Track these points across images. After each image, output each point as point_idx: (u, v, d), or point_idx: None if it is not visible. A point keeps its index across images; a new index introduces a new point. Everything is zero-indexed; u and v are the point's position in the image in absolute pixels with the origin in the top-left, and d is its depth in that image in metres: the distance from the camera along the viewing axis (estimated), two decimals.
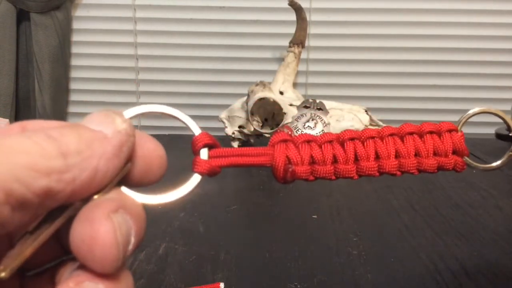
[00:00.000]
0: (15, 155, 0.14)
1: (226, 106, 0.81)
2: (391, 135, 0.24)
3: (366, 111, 0.75)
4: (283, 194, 0.59)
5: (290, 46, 0.83)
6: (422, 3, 0.94)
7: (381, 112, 0.95)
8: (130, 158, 0.17)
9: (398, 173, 0.23)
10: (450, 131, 0.24)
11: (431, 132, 0.24)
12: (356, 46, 0.97)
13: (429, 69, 0.98)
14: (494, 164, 0.25)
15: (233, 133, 0.77)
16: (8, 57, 0.88)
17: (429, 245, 0.45)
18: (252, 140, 0.78)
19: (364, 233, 0.48)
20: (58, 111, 0.96)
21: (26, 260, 0.15)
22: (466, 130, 0.25)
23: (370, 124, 0.74)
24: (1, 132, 0.17)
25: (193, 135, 0.20)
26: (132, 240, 0.16)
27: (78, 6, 0.97)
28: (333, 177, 0.23)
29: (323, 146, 0.23)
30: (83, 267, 0.15)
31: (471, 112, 0.25)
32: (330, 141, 0.23)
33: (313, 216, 0.52)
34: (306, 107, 0.72)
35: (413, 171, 0.23)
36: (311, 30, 0.95)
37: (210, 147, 0.20)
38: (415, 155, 0.23)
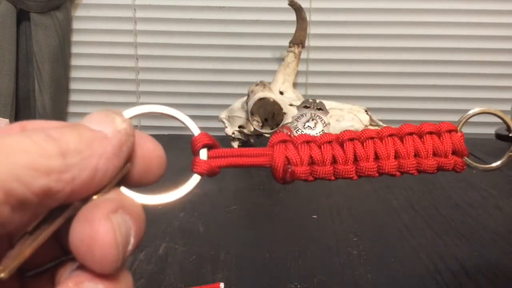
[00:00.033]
0: (15, 154, 0.14)
1: (226, 106, 0.81)
2: (391, 135, 0.24)
3: (366, 111, 0.75)
4: (283, 194, 0.59)
5: (290, 46, 0.83)
6: (422, 3, 0.94)
7: (381, 112, 0.95)
8: (129, 158, 0.17)
9: (398, 173, 0.23)
10: (449, 131, 0.24)
11: (430, 133, 0.24)
12: (356, 46, 0.97)
13: (429, 69, 0.98)
14: (494, 164, 0.25)
15: (233, 133, 0.77)
16: (8, 57, 0.88)
17: (429, 245, 0.45)
18: (252, 140, 0.78)
19: (364, 233, 0.48)
20: (58, 111, 0.96)
21: (26, 260, 0.15)
22: (466, 130, 0.25)
23: (370, 124, 0.74)
24: (1, 132, 0.17)
25: (193, 135, 0.20)
26: (132, 240, 0.16)
27: (78, 6, 0.97)
28: (333, 178, 0.23)
29: (322, 146, 0.23)
30: (82, 267, 0.15)
31: (471, 112, 0.25)
32: (330, 142, 0.23)
33: (313, 216, 0.52)
34: (306, 107, 0.72)
35: (412, 171, 0.23)
36: (311, 30, 0.95)
37: (209, 147, 0.20)
38: (415, 155, 0.23)
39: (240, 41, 0.98)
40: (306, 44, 0.88)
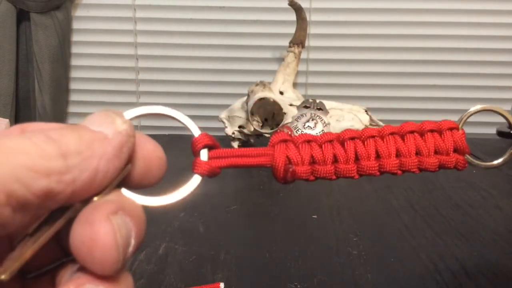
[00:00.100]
0: (15, 156, 0.14)
1: (226, 106, 0.81)
2: (392, 134, 0.23)
3: (366, 111, 0.75)
4: (283, 194, 0.59)
5: (290, 46, 0.83)
6: (422, 3, 0.94)
7: (381, 112, 0.95)
8: (130, 159, 0.17)
9: (399, 172, 0.23)
10: (451, 129, 0.24)
11: (432, 131, 0.24)
12: (356, 46, 0.97)
13: (429, 69, 0.98)
14: (496, 162, 0.25)
15: (233, 133, 0.77)
16: (8, 57, 0.88)
17: (429, 245, 0.45)
18: (252, 140, 0.78)
19: (364, 233, 0.48)
20: (58, 111, 0.96)
21: (26, 262, 0.15)
22: (466, 130, 0.24)
23: (370, 124, 0.74)
24: (1, 134, 0.17)
25: (193, 135, 0.20)
26: (132, 242, 0.16)
27: (78, 6, 0.97)
28: (334, 177, 0.23)
29: (323, 145, 0.23)
30: (83, 269, 0.15)
31: (472, 109, 0.25)
32: (331, 141, 0.23)
33: (313, 216, 0.52)
34: (306, 107, 0.72)
35: (414, 170, 0.23)
36: (311, 30, 0.95)
37: (210, 148, 0.20)
38: (416, 153, 0.23)
39: (240, 41, 0.98)
40: (306, 44, 0.88)
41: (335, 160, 0.23)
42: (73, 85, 1.01)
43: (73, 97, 1.02)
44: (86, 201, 0.16)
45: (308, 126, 0.71)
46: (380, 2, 0.94)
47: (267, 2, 0.95)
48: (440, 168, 0.24)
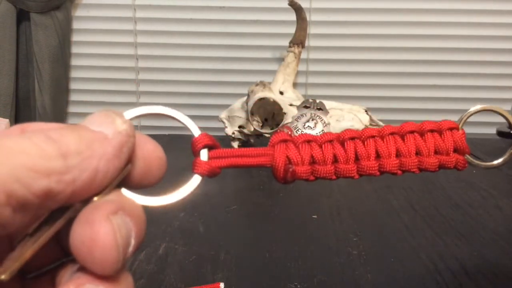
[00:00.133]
0: (15, 156, 0.14)
1: (226, 106, 0.81)
2: (392, 134, 0.23)
3: (366, 111, 0.75)
4: (283, 194, 0.59)
5: (290, 46, 0.83)
6: (422, 3, 0.94)
7: (381, 112, 0.95)
8: (130, 159, 0.17)
9: (399, 172, 0.23)
10: (451, 129, 0.24)
11: (432, 131, 0.24)
12: (356, 46, 0.97)
13: (429, 69, 0.98)
14: (496, 161, 0.25)
15: (233, 133, 0.77)
16: (8, 57, 0.88)
17: (429, 245, 0.45)
18: (252, 140, 0.78)
19: (364, 233, 0.48)
20: (58, 111, 0.96)
21: (26, 262, 0.15)
22: (466, 130, 0.24)
23: (370, 124, 0.74)
24: (1, 134, 0.17)
25: (193, 135, 0.20)
26: (132, 242, 0.16)
27: (78, 6, 0.97)
28: (334, 177, 0.23)
29: (323, 145, 0.23)
30: (83, 269, 0.15)
31: (472, 109, 0.25)
32: (331, 141, 0.23)
33: (313, 216, 0.52)
34: (306, 107, 0.72)
35: (414, 170, 0.23)
36: (311, 30, 0.95)
37: (210, 148, 0.20)
38: (416, 153, 0.23)
39: (240, 41, 0.98)
40: (306, 44, 0.88)
41: (335, 160, 0.23)
42: (73, 85, 1.01)
43: (73, 97, 1.02)
44: (86, 201, 0.16)
45: (308, 126, 0.71)
46: (380, 2, 0.94)
47: (267, 2, 0.95)
48: (440, 168, 0.24)
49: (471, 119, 0.25)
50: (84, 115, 0.17)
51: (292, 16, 0.83)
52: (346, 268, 0.41)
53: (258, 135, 0.76)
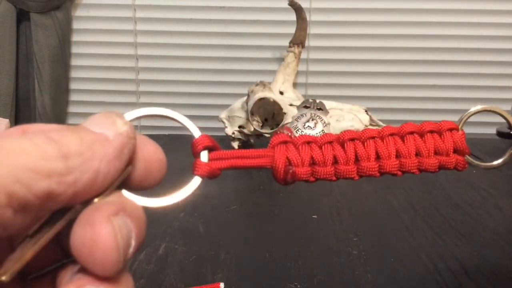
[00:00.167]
0: (16, 157, 0.14)
1: (226, 106, 0.81)
2: (392, 135, 0.23)
3: (366, 111, 0.75)
4: (283, 195, 0.59)
5: (290, 46, 0.83)
6: (422, 3, 0.94)
7: (381, 112, 0.95)
8: (131, 161, 0.17)
9: (399, 173, 0.23)
10: (451, 130, 0.24)
11: (431, 131, 0.24)
12: (356, 46, 0.97)
13: (429, 69, 0.98)
14: (496, 162, 0.25)
15: (233, 133, 0.77)
16: (8, 57, 0.88)
17: (429, 245, 0.45)
18: (252, 140, 0.78)
19: (364, 233, 0.48)
20: (58, 111, 0.96)
21: (27, 263, 0.15)
22: (466, 130, 0.25)
23: (370, 124, 0.74)
24: (2, 135, 0.17)
25: (193, 136, 0.20)
26: (133, 243, 0.16)
27: (78, 6, 0.97)
28: (334, 178, 0.23)
29: (323, 147, 0.23)
30: (84, 270, 0.15)
31: (472, 110, 0.25)
32: (330, 142, 0.23)
33: (313, 216, 0.52)
34: (306, 107, 0.72)
35: (414, 170, 0.23)
36: (311, 30, 0.95)
37: (210, 149, 0.20)
38: (416, 154, 0.23)
39: (240, 41, 0.98)
40: (306, 44, 0.88)
41: (335, 161, 0.23)
42: (73, 85, 1.01)
43: (73, 97, 1.02)
44: (87, 202, 0.16)
45: (308, 126, 0.71)
46: (380, 2, 0.94)
47: (267, 2, 0.95)
48: (440, 169, 0.24)
49: (471, 119, 0.25)
50: (84, 115, 0.17)
51: (292, 16, 0.83)
52: (346, 268, 0.41)
53: (258, 135, 0.76)
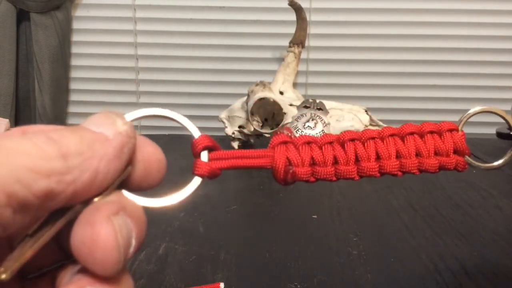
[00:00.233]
0: (16, 156, 0.14)
1: (226, 106, 0.81)
2: (392, 135, 0.23)
3: (366, 111, 0.75)
4: (283, 195, 0.59)
5: (290, 46, 0.83)
6: (422, 3, 0.94)
7: (381, 112, 0.95)
8: (130, 161, 0.17)
9: (399, 173, 0.23)
10: (451, 130, 0.24)
11: (431, 132, 0.24)
12: (356, 46, 0.97)
13: (429, 69, 0.98)
14: (496, 163, 0.25)
15: (233, 133, 0.77)
16: (8, 57, 0.88)
17: (429, 245, 0.45)
18: (252, 140, 0.78)
19: (364, 233, 0.48)
20: (58, 111, 0.96)
21: (27, 262, 0.15)
22: (466, 130, 0.25)
23: (370, 124, 0.74)
24: (2, 135, 0.17)
25: (193, 136, 0.20)
26: (133, 242, 0.16)
27: (78, 6, 0.97)
28: (334, 178, 0.23)
29: (323, 147, 0.23)
30: (84, 271, 0.15)
31: (472, 111, 0.25)
32: (331, 142, 0.23)
33: (313, 216, 0.52)
34: (306, 107, 0.72)
35: (414, 171, 0.23)
36: (311, 30, 0.95)
37: (210, 149, 0.20)
38: (416, 155, 0.23)
39: (240, 41, 0.98)
40: (306, 44, 0.88)
41: (335, 161, 0.23)
42: (73, 85, 1.01)
43: (73, 97, 1.02)
44: (87, 202, 0.16)
45: (308, 126, 0.71)
46: (380, 2, 0.94)
47: (267, 2, 0.95)
48: (440, 169, 0.24)
49: (471, 119, 0.25)
50: (84, 115, 0.17)
51: (292, 16, 0.83)
52: (346, 268, 0.41)
53: (258, 135, 0.76)
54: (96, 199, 0.16)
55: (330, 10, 0.95)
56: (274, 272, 0.40)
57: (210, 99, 1.01)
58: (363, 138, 0.23)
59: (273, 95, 0.74)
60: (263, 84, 0.74)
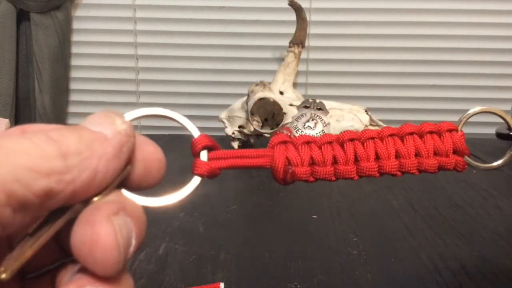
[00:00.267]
0: (16, 156, 0.14)
1: (226, 106, 0.81)
2: (391, 135, 0.23)
3: (366, 111, 0.75)
4: (283, 195, 0.59)
5: (290, 46, 0.83)
6: (422, 3, 0.94)
7: (381, 112, 0.95)
8: (130, 160, 0.17)
9: (399, 173, 0.23)
10: (450, 130, 0.24)
11: (431, 132, 0.24)
12: (356, 46, 0.97)
13: (429, 69, 0.98)
14: (495, 163, 0.25)
15: (233, 133, 0.77)
16: (8, 57, 0.88)
17: (429, 245, 0.45)
18: (252, 140, 0.78)
19: (364, 233, 0.48)
20: (58, 111, 0.96)
21: (27, 261, 0.15)
22: (466, 130, 0.25)
23: (370, 124, 0.74)
24: (1, 134, 0.17)
25: (193, 136, 0.20)
26: (133, 242, 0.16)
27: (78, 6, 0.97)
28: (333, 178, 0.23)
29: (323, 147, 0.23)
30: (83, 270, 0.15)
31: (471, 111, 0.25)
32: (330, 142, 0.23)
33: (313, 216, 0.52)
34: (306, 107, 0.72)
35: (413, 171, 0.23)
36: (311, 30, 0.95)
37: (209, 149, 0.20)
38: (416, 155, 0.23)
39: (240, 41, 0.98)
40: (306, 44, 0.88)
41: (335, 161, 0.23)
42: (73, 85, 1.01)
43: (73, 97, 1.02)
44: (86, 201, 0.16)
45: (308, 126, 0.71)
46: (380, 2, 0.94)
47: (267, 2, 0.95)
48: (440, 169, 0.24)
49: (470, 119, 0.25)
50: (84, 115, 0.17)
51: (292, 16, 0.83)
52: (346, 268, 0.41)
53: (258, 135, 0.76)
54: (95, 199, 0.16)
55: (330, 10, 0.95)
56: (274, 272, 0.40)
57: (210, 99, 1.01)
58: (363, 138, 0.23)
59: (273, 95, 0.74)
60: (263, 84, 0.74)
